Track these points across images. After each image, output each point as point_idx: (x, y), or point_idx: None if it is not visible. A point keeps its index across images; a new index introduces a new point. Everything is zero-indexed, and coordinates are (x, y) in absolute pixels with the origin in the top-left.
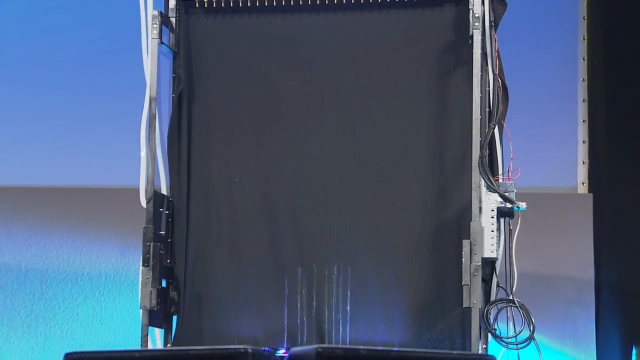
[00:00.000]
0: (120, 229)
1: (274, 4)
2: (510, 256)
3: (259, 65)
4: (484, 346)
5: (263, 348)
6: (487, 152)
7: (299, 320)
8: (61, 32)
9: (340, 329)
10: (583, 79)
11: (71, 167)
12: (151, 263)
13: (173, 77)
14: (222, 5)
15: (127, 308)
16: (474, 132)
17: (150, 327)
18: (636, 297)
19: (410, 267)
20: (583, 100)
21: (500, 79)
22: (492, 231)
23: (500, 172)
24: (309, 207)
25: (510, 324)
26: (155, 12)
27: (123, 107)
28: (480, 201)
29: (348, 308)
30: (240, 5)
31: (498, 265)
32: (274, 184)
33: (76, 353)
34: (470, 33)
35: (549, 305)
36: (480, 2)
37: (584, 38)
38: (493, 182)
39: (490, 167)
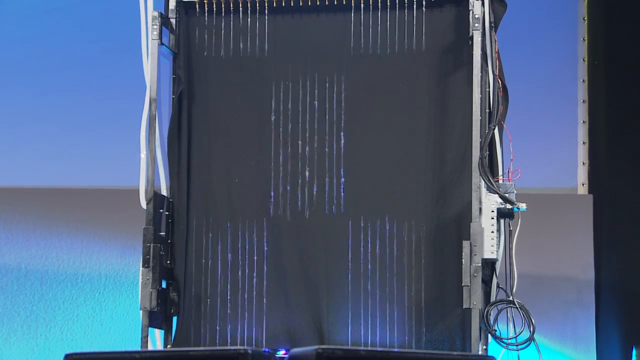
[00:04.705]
0: (120, 230)
1: (274, 5)
2: (510, 257)
3: (259, 66)
4: (484, 347)
5: (263, 349)
6: (487, 153)
7: (299, 321)
8: (61, 33)
9: (341, 329)
10: (583, 80)
11: (71, 168)
12: (151, 264)
13: (173, 78)
14: (222, 6)
15: (127, 309)
16: (474, 133)
17: (150, 328)
18: (636, 297)
19: (411, 267)
20: (583, 101)
21: (500, 79)
22: (492, 232)
23: (500, 173)
24: (309, 208)
25: (511, 324)
26: (156, 13)
27: (123, 108)
28: (480, 202)
29: (348, 309)
30: (240, 6)
31: (498, 266)
32: (274, 185)
33: (76, 354)
34: (470, 34)
35: (549, 306)
36: (480, 3)
37: (584, 39)
38: (493, 183)
39: (490, 168)
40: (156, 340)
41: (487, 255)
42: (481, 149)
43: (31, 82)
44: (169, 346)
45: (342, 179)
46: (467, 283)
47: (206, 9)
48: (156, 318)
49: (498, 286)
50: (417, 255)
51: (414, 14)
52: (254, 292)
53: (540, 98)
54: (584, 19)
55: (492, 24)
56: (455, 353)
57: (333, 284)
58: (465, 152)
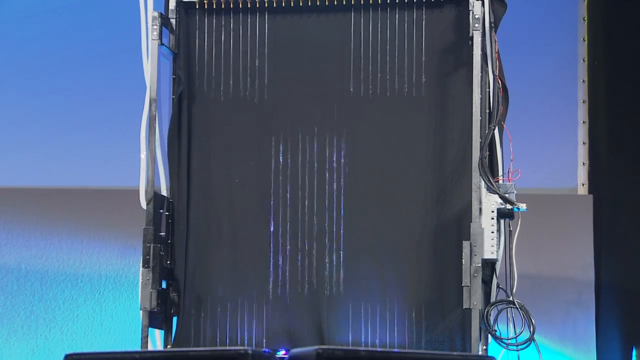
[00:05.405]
0: (120, 230)
1: (274, 5)
2: (511, 257)
3: (259, 66)
4: (484, 347)
5: (263, 349)
6: (487, 153)
7: (299, 322)
8: (61, 33)
9: (341, 330)
10: (583, 80)
11: (71, 168)
12: (151, 264)
13: (173, 78)
14: (222, 6)
15: (127, 309)
16: (474, 133)
17: (150, 329)
18: (636, 297)
19: (411, 268)
20: (583, 102)
21: (501, 80)
22: (492, 232)
23: (500, 173)
24: (309, 209)
25: (511, 325)
26: (156, 14)
27: (123, 108)
28: (480, 202)
29: (348, 309)
30: (241, 6)
31: (498, 266)
32: (274, 185)
33: (76, 354)
34: (470, 34)
35: (549, 306)
36: (480, 3)
37: (584, 39)
38: (493, 183)
39: (490, 168)
40: (156, 340)
41: (487, 255)
42: (481, 149)
43: (31, 83)
44: (169, 346)
45: (342, 179)
46: (467, 283)
47: (206, 9)
48: (156, 318)
49: (498, 286)
50: (417, 255)
51: (414, 14)
52: (254, 292)
53: (540, 98)
54: (584, 19)
55: (492, 24)
56: (455, 353)
57: (334, 284)
58: (465, 152)
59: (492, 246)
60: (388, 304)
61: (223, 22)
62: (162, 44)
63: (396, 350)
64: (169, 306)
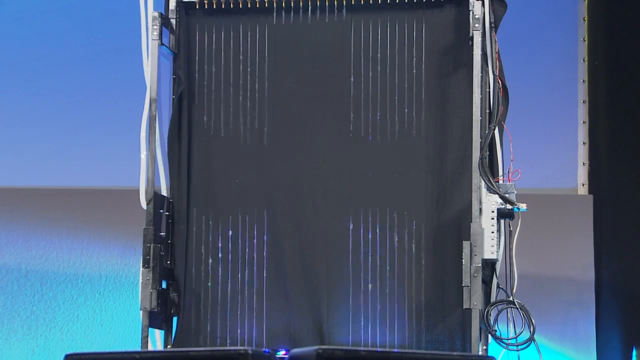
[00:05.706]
0: (120, 230)
1: (274, 5)
2: (511, 257)
3: (259, 67)
4: (484, 347)
5: (263, 349)
6: (488, 153)
7: (299, 322)
8: (61, 33)
9: (341, 330)
10: (583, 80)
11: (71, 168)
12: (151, 264)
13: (173, 78)
14: (222, 6)
15: (127, 309)
16: (474, 133)
17: (150, 329)
18: (636, 298)
19: (411, 268)
20: (583, 102)
21: (501, 80)
22: (493, 232)
23: (500, 173)
24: (309, 208)
25: (511, 325)
26: (156, 14)
27: (123, 108)
28: (480, 202)
29: (348, 309)
30: (241, 6)
31: (498, 266)
32: (274, 185)
33: (76, 354)
34: (471, 34)
35: (549, 306)
36: (481, 3)
37: (584, 39)
38: (493, 183)
39: (490, 168)
40: (156, 340)
41: (487, 255)
42: (481, 149)
43: (31, 83)
44: (169, 346)
45: (343, 179)
46: (467, 283)
47: (206, 9)
48: (156, 318)
49: (498, 286)
50: (418, 256)
51: (414, 14)
52: (254, 293)
53: (540, 98)
54: (584, 20)
55: (492, 25)
56: (455, 353)
57: (333, 284)
58: (466, 152)
59: (492, 246)
60: (388, 304)
61: (223, 22)
62: (162, 44)
63: (396, 350)
64: (169, 306)
